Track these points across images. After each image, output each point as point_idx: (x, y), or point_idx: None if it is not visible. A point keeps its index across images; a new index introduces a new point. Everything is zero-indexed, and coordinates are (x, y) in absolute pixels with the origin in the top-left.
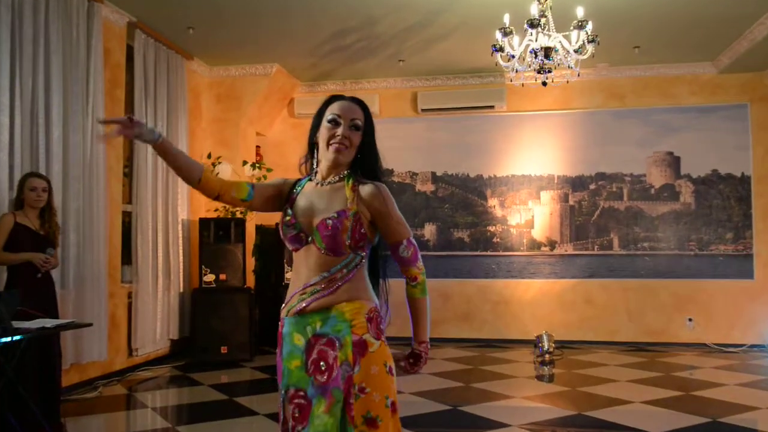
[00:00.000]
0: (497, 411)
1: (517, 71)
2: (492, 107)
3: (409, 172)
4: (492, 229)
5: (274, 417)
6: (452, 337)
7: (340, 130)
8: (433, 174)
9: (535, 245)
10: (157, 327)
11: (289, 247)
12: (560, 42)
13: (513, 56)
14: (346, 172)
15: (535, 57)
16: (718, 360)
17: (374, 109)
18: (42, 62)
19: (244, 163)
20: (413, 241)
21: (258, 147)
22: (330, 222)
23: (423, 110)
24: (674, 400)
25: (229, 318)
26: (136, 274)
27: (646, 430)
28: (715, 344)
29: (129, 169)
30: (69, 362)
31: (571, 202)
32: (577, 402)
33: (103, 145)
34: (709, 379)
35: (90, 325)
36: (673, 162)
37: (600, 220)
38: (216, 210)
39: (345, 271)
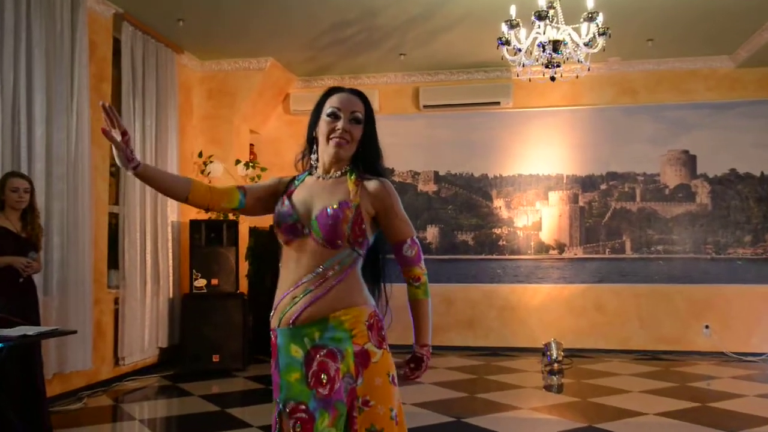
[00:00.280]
0: (503, 423)
1: (524, 66)
2: (498, 103)
3: (411, 171)
4: (498, 231)
5: (268, 429)
6: (456, 345)
7: (340, 124)
8: (436, 173)
9: (543, 248)
10: (145, 334)
11: (282, 238)
12: (569, 35)
13: (520, 50)
14: (348, 167)
15: (543, 50)
16: (736, 369)
17: (374, 105)
18: (23, 56)
19: (237, 162)
20: (417, 240)
21: (252, 145)
22: (331, 211)
23: (425, 107)
24: (690, 412)
25: (221, 325)
26: (123, 279)
27: None
28: (733, 353)
29: (116, 168)
30: (52, 372)
31: (580, 203)
32: (588, 413)
33: (89, 144)
34: (727, 390)
35: (74, 332)
36: (689, 161)
37: (611, 222)
38: (208, 211)
39: (338, 267)
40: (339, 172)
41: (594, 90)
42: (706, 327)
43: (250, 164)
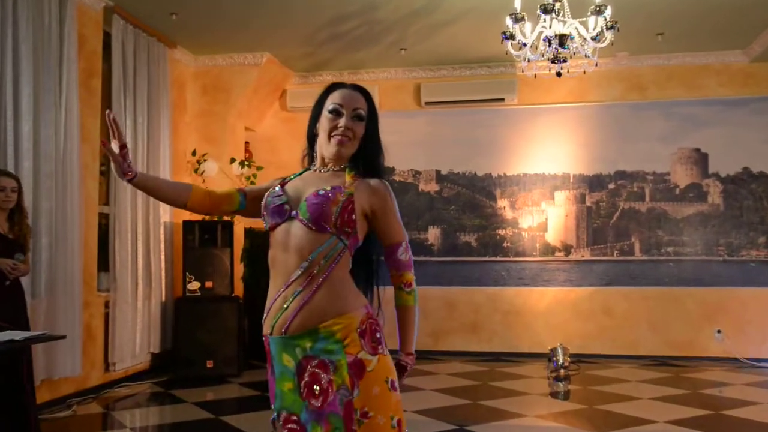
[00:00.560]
0: (508, 431)
1: (529, 61)
2: (502, 100)
3: (412, 170)
4: (502, 232)
5: None
6: (458, 350)
7: (342, 121)
8: (438, 173)
9: (548, 250)
10: (137, 339)
11: (268, 221)
12: (576, 29)
13: (525, 44)
14: (347, 164)
15: (549, 45)
16: (750, 376)
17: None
18: (10, 51)
19: (232, 160)
20: (409, 244)
21: (247, 143)
22: (322, 192)
23: (427, 103)
24: (702, 420)
25: (215, 329)
26: (114, 282)
27: None
28: (746, 358)
29: (106, 167)
30: (40, 378)
31: (588, 203)
32: (595, 421)
33: (78, 141)
34: (740, 397)
35: (63, 337)
36: (700, 159)
37: (620, 222)
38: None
39: (323, 262)
40: (337, 168)
41: (602, 86)
42: (719, 332)
43: (246, 163)
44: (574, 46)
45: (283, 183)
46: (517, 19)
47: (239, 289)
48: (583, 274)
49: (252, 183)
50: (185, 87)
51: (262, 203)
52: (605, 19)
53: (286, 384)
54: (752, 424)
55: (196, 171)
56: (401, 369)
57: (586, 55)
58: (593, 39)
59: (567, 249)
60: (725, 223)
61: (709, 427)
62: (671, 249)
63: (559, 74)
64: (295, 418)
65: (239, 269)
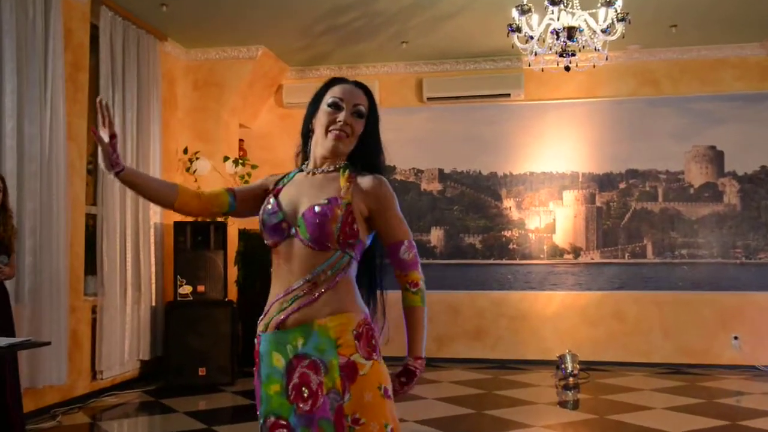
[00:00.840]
0: None
1: (536, 54)
2: (508, 95)
3: (413, 169)
4: (507, 234)
5: None
6: (462, 357)
7: (341, 116)
8: (441, 171)
9: (556, 252)
10: (126, 346)
11: (268, 240)
12: (585, 21)
13: (532, 37)
14: (342, 163)
15: (557, 38)
16: None
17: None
18: None
19: (226, 158)
20: (413, 242)
21: (241, 140)
22: (318, 208)
23: (429, 99)
24: (718, 430)
25: (207, 336)
26: (102, 286)
27: None
28: (765, 366)
29: (93, 165)
30: (23, 387)
31: (597, 204)
32: None
33: (64, 139)
34: (758, 407)
35: (48, 344)
36: (716, 157)
37: (631, 223)
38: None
39: (330, 272)
40: (332, 167)
41: (612, 81)
42: (735, 338)
43: (240, 161)
44: (584, 38)
45: (276, 190)
46: (524, 11)
47: (233, 293)
48: (593, 278)
49: (246, 182)
50: (176, 82)
51: (259, 219)
52: (616, 11)
53: (273, 386)
54: None
55: (188, 170)
56: (410, 374)
57: (595, 49)
58: (603, 31)
59: (576, 251)
60: (742, 224)
61: None
62: (685, 251)
63: (567, 68)
64: (284, 422)
65: (233, 272)
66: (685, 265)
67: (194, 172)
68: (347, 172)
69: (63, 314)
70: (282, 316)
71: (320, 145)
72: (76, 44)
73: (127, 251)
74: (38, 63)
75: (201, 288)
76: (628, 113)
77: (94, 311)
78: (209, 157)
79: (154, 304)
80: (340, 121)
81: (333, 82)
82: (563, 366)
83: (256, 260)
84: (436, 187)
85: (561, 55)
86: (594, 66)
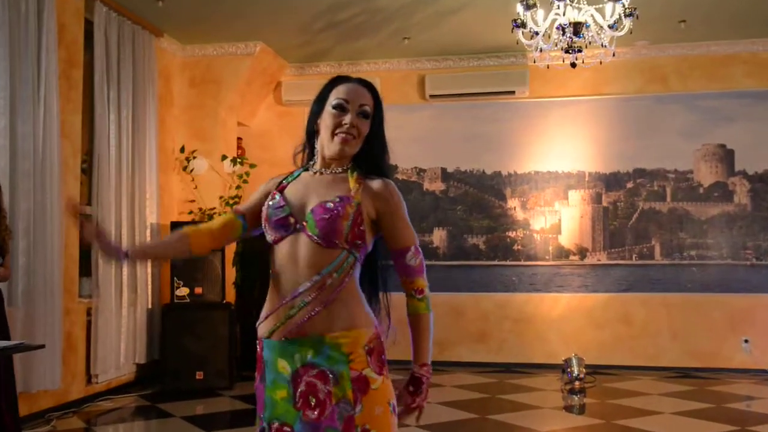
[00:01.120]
0: None
1: (541, 51)
2: (512, 93)
3: (416, 168)
4: (512, 234)
5: None
6: (465, 361)
7: (347, 118)
8: (444, 171)
9: (562, 253)
10: (121, 349)
11: (272, 235)
12: (592, 16)
13: (537, 33)
14: (349, 164)
15: (563, 34)
16: None
17: None
18: None
19: (224, 157)
20: (419, 248)
21: (239, 139)
22: (330, 204)
23: (432, 96)
24: None
25: (205, 339)
26: (97, 288)
27: None
28: None
29: (88, 165)
30: (17, 391)
31: (604, 204)
32: None
33: (58, 137)
34: None
35: (42, 347)
36: (726, 156)
37: (639, 224)
38: (190, 212)
39: (336, 275)
40: (339, 169)
41: (619, 78)
42: (746, 341)
43: (238, 160)
44: (590, 34)
45: (281, 187)
46: (529, 6)
47: (231, 295)
48: (600, 280)
49: (245, 182)
50: (173, 78)
51: (263, 214)
52: (623, 6)
53: (279, 392)
54: None
55: (184, 169)
56: (417, 383)
57: (602, 45)
58: (610, 27)
59: (582, 252)
60: (753, 225)
61: None
62: (694, 252)
63: (573, 65)
64: (288, 429)
65: (231, 274)
66: (694, 267)
67: (191, 171)
68: (356, 173)
69: (57, 317)
70: (290, 327)
71: (326, 147)
72: (70, 40)
73: None
74: (31, 59)
75: (198, 290)
76: (635, 111)
77: (88, 313)
78: (206, 155)
79: (150, 306)
80: (346, 124)
81: (337, 80)
82: (569, 370)
83: (254, 262)
84: (438, 186)
85: (567, 52)
86: (601, 62)
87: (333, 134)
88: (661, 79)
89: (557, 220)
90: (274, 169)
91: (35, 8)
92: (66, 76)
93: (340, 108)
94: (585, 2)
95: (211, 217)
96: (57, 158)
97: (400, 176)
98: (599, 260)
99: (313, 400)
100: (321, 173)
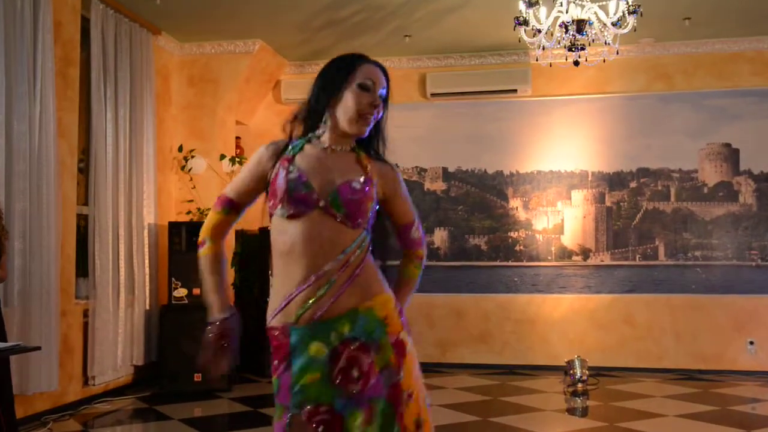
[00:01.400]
0: None
1: (544, 48)
2: (514, 91)
3: (417, 167)
4: (514, 235)
5: None
6: (467, 363)
7: (375, 100)
8: (445, 170)
9: (565, 254)
10: (119, 351)
11: (290, 210)
12: (595, 13)
13: (539, 31)
14: (353, 143)
15: (566, 31)
16: None
17: None
18: None
19: (222, 157)
20: (420, 221)
21: (238, 138)
22: (357, 185)
23: (433, 95)
24: None
25: (203, 340)
26: (94, 289)
27: None
28: None
29: (85, 164)
30: (12, 393)
31: (608, 203)
32: None
33: (54, 136)
34: None
35: (38, 348)
36: (731, 155)
37: (642, 224)
38: (189, 213)
39: (359, 252)
40: (348, 147)
41: (623, 76)
42: (751, 343)
43: (236, 159)
44: (593, 32)
45: (287, 158)
46: (531, 3)
47: (230, 296)
48: (603, 280)
49: None
50: (171, 77)
51: (281, 187)
52: (627, 3)
53: (310, 375)
54: None
55: (183, 168)
56: None
57: (606, 42)
58: (614, 24)
59: (585, 253)
60: (758, 225)
61: None
62: (699, 253)
63: (576, 63)
64: (325, 408)
65: (230, 275)
66: (699, 268)
67: (189, 170)
68: (363, 153)
69: (54, 318)
70: (320, 308)
71: (345, 124)
72: (67, 38)
73: (120, 253)
74: (27, 57)
75: (197, 291)
76: (639, 109)
77: (85, 315)
78: (205, 155)
79: (148, 307)
80: (374, 105)
81: (359, 59)
82: (572, 372)
83: (254, 262)
84: (440, 186)
85: (570, 49)
86: (604, 60)
87: (358, 113)
88: (666, 77)
89: (560, 221)
90: None
91: (31, 5)
92: (62, 74)
93: (367, 89)
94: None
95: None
96: (53, 157)
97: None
98: (602, 261)
99: (356, 373)
100: (332, 150)
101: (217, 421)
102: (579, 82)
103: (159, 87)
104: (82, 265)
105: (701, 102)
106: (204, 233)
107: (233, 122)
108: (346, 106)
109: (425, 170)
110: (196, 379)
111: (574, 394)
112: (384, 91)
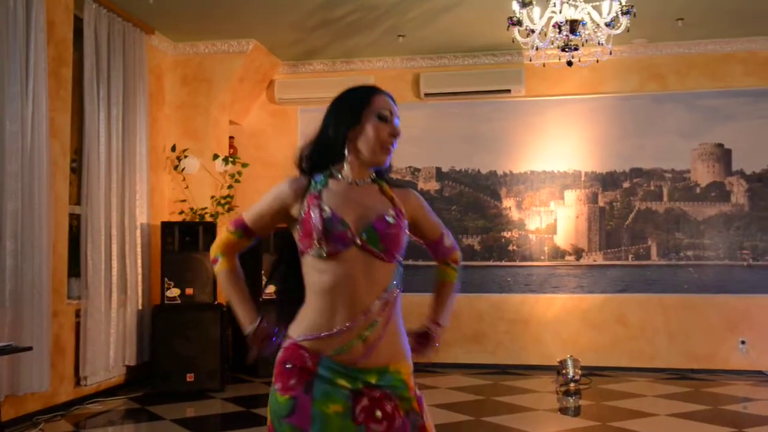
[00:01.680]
0: None
1: (537, 49)
2: (508, 91)
3: (410, 167)
4: (507, 234)
5: None
6: (460, 362)
7: (394, 130)
8: (438, 170)
9: (558, 254)
10: (111, 351)
11: (328, 248)
12: (589, 14)
13: (533, 31)
14: (373, 175)
15: (559, 32)
16: None
17: None
18: None
19: (215, 156)
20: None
21: (231, 138)
22: (392, 219)
23: (426, 95)
24: None
25: (196, 340)
26: (86, 289)
27: None
28: None
29: (78, 164)
30: (4, 394)
31: (600, 203)
32: None
33: (47, 136)
34: (766, 414)
35: (29, 349)
36: (723, 156)
37: (635, 224)
38: (181, 212)
39: (396, 290)
40: (369, 179)
41: (616, 76)
42: (743, 342)
43: (230, 159)
44: (587, 32)
45: (310, 194)
46: (525, 3)
47: (222, 296)
48: (596, 280)
49: (237, 181)
50: (164, 77)
51: (317, 227)
52: (620, 4)
53: (333, 406)
54: None
55: (176, 168)
56: (426, 339)
57: (599, 43)
58: (607, 25)
59: (578, 253)
60: (750, 225)
61: None
62: (691, 253)
63: (570, 63)
64: None
65: None
66: (691, 267)
67: (182, 170)
68: (384, 184)
69: (45, 318)
70: (359, 352)
71: (368, 155)
72: (59, 38)
73: (112, 253)
74: (19, 57)
75: (189, 291)
76: (632, 110)
77: (77, 315)
78: (198, 155)
79: (140, 307)
80: (393, 136)
81: (373, 91)
82: (564, 371)
83: (246, 262)
84: (433, 186)
85: (563, 50)
86: (597, 61)
87: (381, 145)
88: (659, 77)
89: (553, 221)
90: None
91: (24, 5)
92: (55, 74)
93: (385, 119)
94: (582, 0)
95: (202, 218)
96: (46, 158)
97: (394, 175)
98: (595, 261)
99: (380, 414)
100: (356, 184)
101: (210, 421)
102: (572, 83)
103: (152, 87)
104: (75, 265)
105: (694, 102)
106: (215, 250)
107: (227, 122)
108: (368, 137)
109: (419, 170)
110: (188, 379)
111: (567, 393)
112: (398, 121)
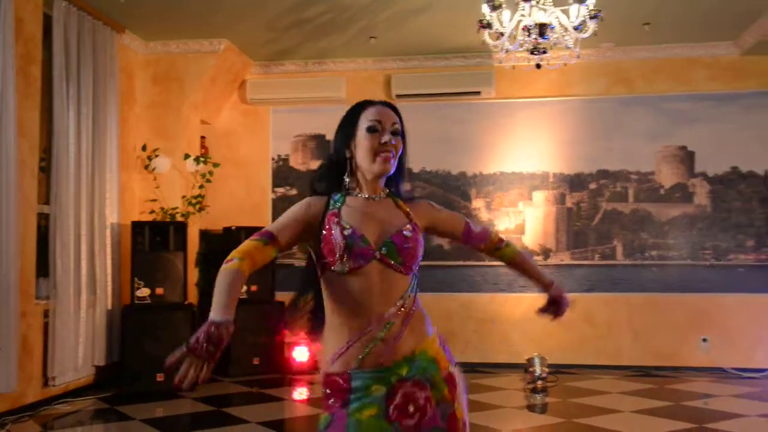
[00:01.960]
0: None
1: (507, 51)
2: (478, 93)
3: None
4: None
5: None
6: None
7: (385, 137)
8: (409, 171)
9: (526, 254)
10: (79, 351)
11: (351, 264)
12: (557, 17)
13: (503, 34)
14: (386, 190)
15: (528, 35)
16: (737, 387)
17: (341, 94)
18: None
19: (186, 156)
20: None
21: (203, 138)
22: (409, 233)
23: (398, 96)
24: None
25: (166, 340)
26: (54, 289)
27: None
28: (733, 369)
29: (46, 163)
30: None
31: (568, 204)
32: None
33: (15, 135)
34: (726, 410)
35: None
36: (687, 158)
37: (601, 225)
38: (152, 212)
39: (413, 296)
40: (383, 194)
41: (584, 79)
42: (704, 340)
43: (201, 159)
44: (555, 36)
45: (329, 212)
46: (495, 7)
47: (193, 296)
48: (563, 279)
49: (208, 181)
50: (135, 76)
51: (339, 244)
52: (588, 8)
53: (368, 411)
54: None
55: (146, 168)
56: (557, 302)
57: (567, 46)
58: (575, 29)
59: (546, 252)
60: (712, 226)
61: None
62: (655, 253)
63: (538, 66)
64: None
65: (193, 275)
66: (655, 267)
67: (153, 170)
68: (398, 199)
69: (13, 319)
70: (380, 352)
71: (368, 169)
72: (28, 35)
73: (81, 252)
74: None
75: (159, 291)
76: (600, 112)
77: (46, 315)
78: (169, 154)
79: (110, 307)
80: (384, 143)
81: (362, 105)
82: (532, 369)
83: (217, 262)
84: (404, 186)
85: (532, 53)
86: (566, 64)
87: (374, 155)
88: (626, 81)
89: (521, 221)
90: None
91: None
92: (23, 72)
93: (373, 129)
94: (551, 3)
95: (173, 217)
96: (13, 156)
97: None
98: (562, 260)
99: (412, 408)
100: (373, 199)
101: (180, 420)
102: (541, 85)
103: (123, 85)
104: (43, 265)
105: (660, 105)
106: (233, 254)
107: (198, 121)
108: (361, 149)
109: None
110: (158, 379)
111: (534, 391)
112: (398, 126)
